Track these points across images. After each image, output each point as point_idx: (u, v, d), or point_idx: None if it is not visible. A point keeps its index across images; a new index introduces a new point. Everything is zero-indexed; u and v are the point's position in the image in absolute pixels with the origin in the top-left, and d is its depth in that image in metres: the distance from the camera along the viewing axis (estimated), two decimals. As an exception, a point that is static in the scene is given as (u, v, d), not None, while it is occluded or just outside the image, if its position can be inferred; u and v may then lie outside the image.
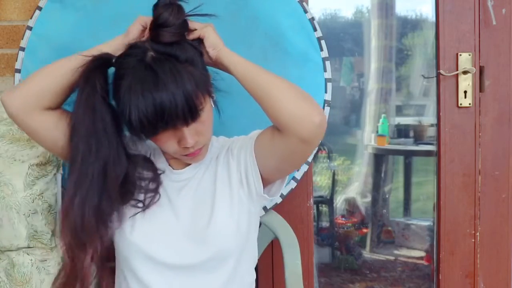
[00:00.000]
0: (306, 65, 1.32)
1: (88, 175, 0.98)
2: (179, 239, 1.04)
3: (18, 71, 1.36)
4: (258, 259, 1.37)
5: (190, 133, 0.98)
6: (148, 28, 1.02)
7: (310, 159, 1.31)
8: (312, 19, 1.33)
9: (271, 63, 1.31)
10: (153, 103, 0.92)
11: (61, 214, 1.02)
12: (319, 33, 1.33)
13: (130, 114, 0.93)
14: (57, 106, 1.06)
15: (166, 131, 0.97)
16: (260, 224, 1.36)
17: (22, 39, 1.37)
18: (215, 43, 1.04)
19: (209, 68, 1.07)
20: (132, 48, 1.00)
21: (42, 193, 1.24)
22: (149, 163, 1.10)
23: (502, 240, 1.70)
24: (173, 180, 1.10)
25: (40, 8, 1.37)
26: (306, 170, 1.32)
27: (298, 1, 1.33)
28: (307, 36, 1.32)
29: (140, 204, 1.06)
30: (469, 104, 1.66)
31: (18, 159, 1.23)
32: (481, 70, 1.66)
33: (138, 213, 1.05)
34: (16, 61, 1.37)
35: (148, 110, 0.92)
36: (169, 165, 1.12)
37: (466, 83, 1.65)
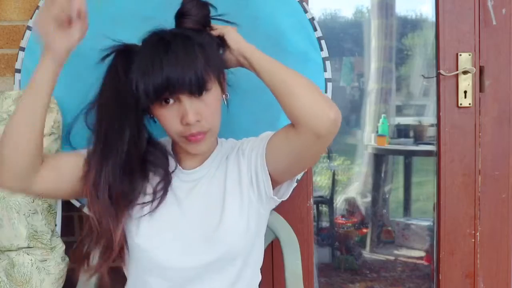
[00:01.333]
0: (306, 65, 1.32)
1: (112, 151, 1.02)
2: (188, 240, 1.04)
3: (18, 71, 1.36)
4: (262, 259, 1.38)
5: (192, 108, 0.99)
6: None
7: (310, 159, 1.31)
8: (312, 19, 1.33)
9: (271, 63, 1.31)
10: (161, 71, 0.96)
11: (89, 189, 1.02)
12: (319, 33, 1.33)
13: (138, 81, 0.98)
14: (42, 159, 1.02)
15: (169, 107, 1.00)
16: (260, 224, 1.36)
17: (22, 39, 1.37)
18: (236, 38, 1.07)
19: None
20: (151, 33, 1.05)
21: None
22: (164, 158, 1.11)
23: (502, 240, 1.70)
24: (183, 180, 1.10)
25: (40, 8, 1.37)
26: (306, 170, 1.31)
27: (298, 1, 1.33)
28: (307, 36, 1.32)
29: (148, 206, 1.06)
30: (469, 104, 1.66)
31: (18, 159, 1.22)
32: (481, 70, 1.66)
33: (145, 214, 1.05)
34: (16, 61, 1.37)
35: (155, 76, 0.96)
36: (180, 165, 1.11)
37: (466, 83, 1.65)
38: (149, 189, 1.07)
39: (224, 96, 1.08)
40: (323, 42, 1.33)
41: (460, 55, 1.64)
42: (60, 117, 1.28)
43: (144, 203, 1.06)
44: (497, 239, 1.70)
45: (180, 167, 1.11)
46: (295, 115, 0.99)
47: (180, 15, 1.07)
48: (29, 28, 1.37)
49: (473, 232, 1.69)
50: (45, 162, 1.02)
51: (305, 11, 1.33)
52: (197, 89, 0.99)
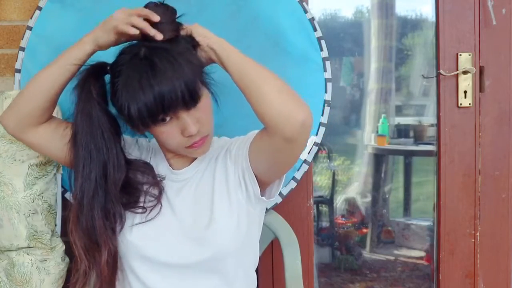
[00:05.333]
0: (306, 65, 1.32)
1: (91, 179, 1.02)
2: (179, 239, 1.05)
3: (18, 71, 1.36)
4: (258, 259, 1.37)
5: (191, 120, 0.99)
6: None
7: (310, 159, 1.31)
8: (312, 19, 1.33)
9: (271, 63, 1.30)
10: (152, 91, 0.94)
11: (72, 218, 1.04)
12: (319, 33, 1.33)
13: (130, 106, 0.95)
14: (48, 119, 1.10)
15: (167, 123, 0.99)
16: (260, 224, 1.36)
17: (22, 39, 1.37)
18: (203, 33, 1.03)
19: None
20: (122, 54, 1.01)
21: (42, 193, 1.24)
22: (149, 169, 1.10)
23: (502, 240, 1.70)
24: (173, 180, 1.10)
25: (40, 8, 1.37)
26: (306, 170, 1.32)
27: (298, 1, 1.33)
28: (307, 36, 1.32)
29: (140, 210, 1.07)
30: (469, 104, 1.65)
31: (18, 159, 1.23)
32: (481, 70, 1.66)
33: (139, 222, 1.06)
34: (16, 61, 1.37)
35: (147, 98, 0.94)
36: (170, 165, 1.12)
37: (466, 83, 1.65)
38: (141, 198, 1.08)
39: (208, 90, 1.06)
40: (323, 42, 1.33)
41: (460, 55, 1.64)
42: (60, 117, 1.28)
43: (139, 207, 1.07)
44: (497, 239, 1.70)
45: (170, 167, 1.12)
46: (263, 117, 0.97)
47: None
48: (29, 28, 1.37)
49: (473, 232, 1.69)
50: (49, 122, 1.10)
51: (305, 11, 1.33)
52: (192, 101, 0.98)
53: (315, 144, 1.31)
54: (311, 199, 1.63)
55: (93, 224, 1.02)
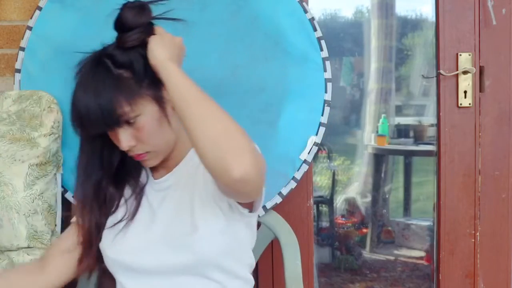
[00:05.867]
0: (306, 65, 1.32)
1: (88, 154, 1.07)
2: (164, 248, 1.02)
3: (18, 71, 1.36)
4: (258, 259, 1.37)
5: (124, 137, 0.98)
6: None
7: (310, 159, 1.31)
8: (312, 19, 1.33)
9: (271, 63, 1.32)
10: (75, 107, 0.97)
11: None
12: (319, 33, 1.33)
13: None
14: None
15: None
16: (260, 224, 1.36)
17: (22, 39, 1.37)
18: (153, 54, 0.95)
19: None
20: (102, 48, 1.02)
21: (42, 193, 1.24)
22: (136, 172, 1.11)
23: (502, 240, 1.70)
24: (156, 190, 1.09)
25: (40, 8, 1.37)
26: (306, 170, 1.32)
27: (298, 1, 1.33)
28: (307, 36, 1.32)
29: (122, 222, 1.07)
30: (469, 104, 1.65)
31: (18, 159, 1.22)
32: (481, 70, 1.66)
33: (121, 228, 1.07)
34: (16, 61, 1.37)
35: (73, 112, 0.97)
36: (152, 174, 1.11)
37: (466, 83, 1.65)
38: (122, 201, 1.09)
39: (161, 106, 1.01)
40: (323, 42, 1.33)
41: (460, 55, 1.64)
42: (60, 117, 1.28)
43: (119, 220, 1.07)
44: (497, 239, 1.70)
45: (152, 177, 1.11)
46: (201, 160, 0.88)
47: (120, 29, 0.98)
48: (29, 28, 1.37)
49: (473, 232, 1.69)
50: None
51: (305, 11, 1.33)
52: (109, 124, 0.96)
53: (315, 144, 1.31)
54: (311, 199, 1.63)
55: (84, 196, 1.06)
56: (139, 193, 1.09)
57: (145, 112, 0.98)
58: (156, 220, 1.05)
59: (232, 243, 1.04)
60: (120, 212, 1.09)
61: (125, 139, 0.98)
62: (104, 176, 1.08)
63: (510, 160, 1.68)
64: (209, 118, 0.88)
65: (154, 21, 1.01)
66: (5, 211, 1.21)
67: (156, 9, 1.01)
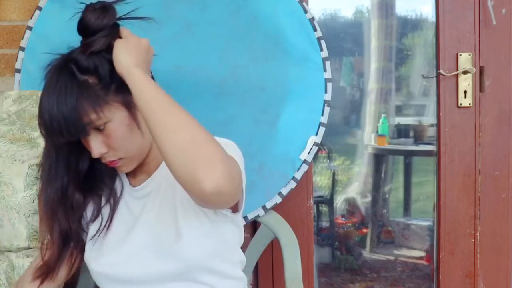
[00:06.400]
0: (306, 65, 1.32)
1: (53, 161, 1.02)
2: (150, 257, 1.00)
3: (18, 71, 1.36)
4: (258, 259, 1.37)
5: (94, 144, 0.96)
6: None
7: (310, 159, 1.31)
8: (312, 19, 1.33)
9: (271, 63, 1.32)
10: (41, 113, 0.94)
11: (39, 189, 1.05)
12: (319, 33, 1.33)
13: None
14: None
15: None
16: (260, 224, 1.36)
17: (22, 39, 1.37)
18: (119, 60, 0.92)
19: None
20: (68, 52, 0.99)
21: (42, 193, 1.24)
22: (108, 185, 1.08)
23: (502, 240, 1.70)
24: (136, 197, 1.06)
25: (40, 8, 1.37)
26: (306, 170, 1.32)
27: (298, 1, 1.33)
28: (307, 36, 1.32)
29: (99, 232, 1.05)
30: (469, 104, 1.66)
31: (18, 159, 1.22)
32: (481, 70, 1.66)
33: (99, 235, 1.05)
34: (16, 61, 1.37)
35: (40, 118, 0.94)
36: (130, 182, 1.09)
37: (466, 83, 1.65)
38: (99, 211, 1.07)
39: (129, 111, 0.99)
40: (323, 42, 1.33)
41: (460, 55, 1.64)
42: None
43: (96, 231, 1.05)
44: (497, 239, 1.70)
45: (130, 185, 1.08)
46: (171, 171, 0.84)
47: (83, 33, 0.96)
48: (29, 28, 1.37)
49: (473, 232, 1.69)
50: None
51: (305, 11, 1.33)
52: (78, 133, 0.93)
53: (315, 144, 1.31)
54: (311, 199, 1.63)
55: (47, 202, 1.02)
56: (114, 201, 1.06)
57: (114, 118, 0.95)
58: (139, 228, 1.03)
59: (219, 245, 1.02)
60: (97, 223, 1.06)
61: (95, 146, 0.96)
62: (70, 182, 1.03)
63: (510, 160, 1.68)
64: (176, 127, 0.84)
65: (121, 22, 0.98)
66: (5, 211, 1.21)
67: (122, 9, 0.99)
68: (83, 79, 0.94)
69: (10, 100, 1.31)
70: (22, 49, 1.37)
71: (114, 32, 0.96)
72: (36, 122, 1.25)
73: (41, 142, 1.24)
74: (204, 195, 0.80)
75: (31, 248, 1.24)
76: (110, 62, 0.94)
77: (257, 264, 1.54)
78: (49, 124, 0.92)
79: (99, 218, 1.07)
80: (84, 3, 0.97)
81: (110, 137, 0.96)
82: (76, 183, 1.04)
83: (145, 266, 1.00)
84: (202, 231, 0.98)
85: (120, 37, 0.96)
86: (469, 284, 1.70)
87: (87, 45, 0.95)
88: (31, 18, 1.37)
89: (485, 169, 1.68)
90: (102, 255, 1.04)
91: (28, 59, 1.36)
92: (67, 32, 1.33)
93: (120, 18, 0.98)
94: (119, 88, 0.95)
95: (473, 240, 1.69)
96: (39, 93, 1.28)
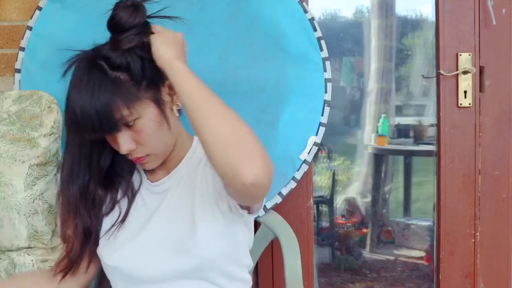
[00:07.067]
0: (306, 65, 1.32)
1: (74, 155, 1.04)
2: (164, 253, 1.01)
3: (18, 71, 1.36)
4: (258, 259, 1.37)
5: (123, 140, 0.97)
6: None
7: (310, 159, 1.31)
8: (312, 19, 1.33)
9: (271, 63, 1.32)
10: (72, 110, 0.94)
11: (57, 194, 1.07)
12: (319, 33, 1.33)
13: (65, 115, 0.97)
14: None
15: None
16: (260, 224, 1.36)
17: (22, 39, 1.37)
18: (157, 54, 0.94)
19: None
20: (93, 49, 1.00)
21: (43, 193, 1.24)
22: (126, 180, 1.10)
23: (502, 240, 1.70)
24: (153, 192, 1.08)
25: (40, 8, 1.37)
26: (306, 170, 1.31)
27: (298, 1, 1.33)
28: (307, 36, 1.32)
29: (114, 227, 1.06)
30: (469, 104, 1.66)
31: (19, 159, 1.22)
32: (481, 70, 1.66)
33: (114, 229, 1.06)
34: (16, 61, 1.37)
35: (68, 115, 0.95)
36: (148, 177, 1.10)
37: (466, 83, 1.65)
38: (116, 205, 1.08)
39: (171, 106, 1.02)
40: (323, 42, 1.33)
41: (460, 55, 1.64)
42: (60, 117, 1.28)
43: (112, 225, 1.06)
44: (497, 239, 1.70)
45: (148, 180, 1.09)
46: (210, 163, 0.87)
47: (114, 30, 0.97)
48: (29, 28, 1.37)
49: (473, 232, 1.69)
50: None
51: (305, 11, 1.33)
52: (110, 129, 0.94)
53: (315, 144, 1.31)
54: (311, 199, 1.63)
55: (69, 200, 1.03)
56: (131, 195, 1.07)
57: (144, 114, 0.96)
58: (153, 223, 1.04)
59: (232, 246, 1.03)
60: (113, 217, 1.07)
61: (124, 142, 0.97)
62: (92, 179, 1.05)
63: (510, 160, 1.68)
64: (218, 119, 0.85)
65: (150, 20, 1.00)
66: (6, 211, 1.21)
67: (151, 8, 1.01)
68: (115, 76, 0.95)
69: (10, 100, 1.31)
70: (22, 49, 1.36)
71: (146, 29, 0.98)
72: (36, 122, 1.26)
73: (41, 142, 1.24)
74: (244, 187, 0.82)
75: (31, 248, 1.24)
76: (142, 59, 0.96)
77: (257, 264, 1.54)
78: (81, 120, 0.92)
79: (115, 211, 1.08)
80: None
81: (139, 133, 0.97)
82: (98, 180, 1.06)
83: (158, 261, 1.01)
84: (217, 230, 1.00)
85: (152, 33, 0.98)
86: (469, 284, 1.70)
87: (118, 42, 0.96)
88: (31, 18, 1.37)
89: (485, 169, 1.68)
90: (115, 249, 1.04)
91: (28, 59, 1.36)
92: (67, 32, 1.34)
93: (150, 16, 0.99)
94: (149, 84, 0.97)
95: (473, 240, 1.69)
96: (40, 93, 1.30)
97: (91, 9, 1.34)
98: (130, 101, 0.94)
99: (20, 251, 1.23)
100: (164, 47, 0.94)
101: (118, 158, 1.05)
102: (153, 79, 0.97)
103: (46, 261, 1.24)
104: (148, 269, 1.01)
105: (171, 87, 1.00)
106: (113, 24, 0.96)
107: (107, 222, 1.08)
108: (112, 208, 1.08)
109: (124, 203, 1.08)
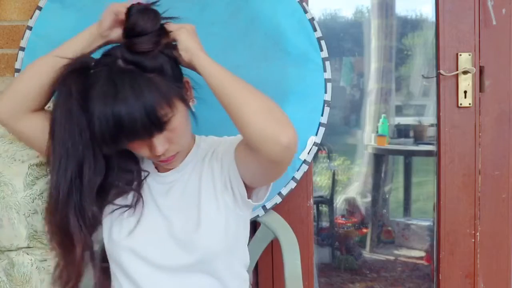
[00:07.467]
0: (306, 65, 1.32)
1: (66, 177, 0.99)
2: (167, 241, 1.03)
3: (18, 71, 1.36)
4: (258, 259, 1.37)
5: (159, 142, 0.97)
6: (124, 17, 1.01)
7: (310, 159, 1.31)
8: (312, 19, 1.33)
9: (271, 63, 1.32)
10: (113, 118, 0.92)
11: (46, 214, 1.03)
12: (319, 33, 1.33)
13: (94, 125, 0.94)
14: (42, 107, 1.09)
15: (134, 142, 0.97)
16: (260, 224, 1.36)
17: (22, 39, 1.37)
18: (187, 46, 0.99)
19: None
20: (104, 56, 1.00)
21: (42, 193, 1.24)
22: (134, 165, 1.09)
23: (502, 240, 1.70)
24: (159, 182, 1.09)
25: (40, 8, 1.37)
26: (306, 170, 1.32)
27: (298, 1, 1.33)
28: (307, 36, 1.32)
29: (124, 206, 1.07)
30: (469, 104, 1.66)
31: (18, 159, 1.23)
32: (481, 70, 1.66)
33: (125, 211, 1.07)
34: (16, 61, 1.37)
35: (109, 124, 0.92)
36: (155, 167, 1.11)
37: (466, 83, 1.65)
38: (124, 191, 1.08)
39: (190, 103, 1.04)
40: (323, 42, 1.33)
41: (460, 55, 1.64)
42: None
43: (121, 206, 1.07)
44: (497, 239, 1.70)
45: (156, 169, 1.11)
46: (245, 136, 0.94)
47: (131, 35, 0.98)
48: (29, 28, 1.37)
49: (473, 232, 1.69)
50: (42, 111, 1.08)
51: (305, 11, 1.33)
52: (156, 129, 0.95)
53: (315, 144, 1.31)
54: (311, 199, 1.63)
55: (67, 222, 1.00)
56: (139, 183, 1.09)
57: (177, 112, 0.98)
58: (162, 213, 1.06)
59: (233, 241, 1.06)
60: (121, 201, 1.08)
61: (160, 143, 0.97)
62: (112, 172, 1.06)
63: (510, 160, 1.68)
64: (251, 94, 0.95)
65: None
66: (5, 211, 1.21)
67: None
68: (150, 77, 0.95)
69: (10, 100, 1.31)
70: (22, 49, 1.36)
71: (163, 32, 1.00)
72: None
73: (41, 142, 1.24)
74: (281, 150, 0.90)
75: (31, 247, 1.24)
76: (169, 58, 0.99)
77: (257, 264, 1.54)
78: (128, 125, 0.92)
79: (124, 197, 1.08)
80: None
81: (174, 131, 0.98)
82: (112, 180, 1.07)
83: (164, 251, 1.03)
84: (221, 224, 1.03)
85: (169, 32, 1.00)
86: (469, 284, 1.70)
87: (139, 45, 0.97)
88: (31, 18, 1.37)
89: (485, 169, 1.68)
90: (130, 231, 1.05)
91: (28, 59, 1.36)
92: (67, 32, 1.34)
93: (165, 19, 1.02)
94: (176, 82, 1.00)
95: (473, 240, 1.69)
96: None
97: (91, 9, 1.34)
98: (169, 99, 0.96)
99: (19, 250, 1.23)
100: (190, 41, 0.99)
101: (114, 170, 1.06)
102: (178, 77, 1.01)
103: (45, 260, 1.24)
104: (152, 255, 1.04)
105: (188, 84, 1.04)
106: (130, 29, 0.98)
107: (109, 207, 1.08)
108: (122, 194, 1.08)
109: (133, 190, 1.08)
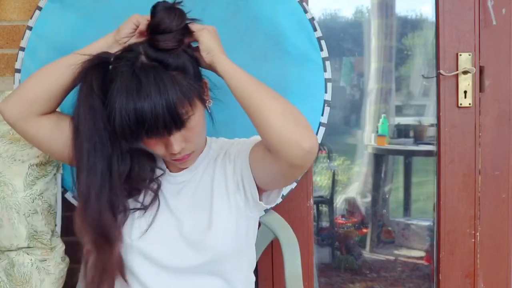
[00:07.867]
0: (306, 65, 1.32)
1: (97, 173, 1.00)
2: (178, 242, 1.04)
3: (18, 71, 1.36)
4: (258, 259, 1.37)
5: (176, 140, 0.97)
6: (144, 28, 1.02)
7: (310, 159, 1.31)
8: (312, 19, 1.33)
9: (271, 63, 1.32)
10: (135, 112, 0.92)
11: (79, 212, 1.02)
12: (319, 33, 1.33)
13: (115, 119, 0.94)
14: (53, 110, 1.08)
15: (151, 138, 0.97)
16: (260, 224, 1.36)
17: (22, 39, 1.37)
18: (209, 48, 1.00)
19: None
20: (126, 51, 1.00)
21: (42, 193, 1.24)
22: (151, 162, 1.10)
23: (502, 240, 1.70)
24: (171, 183, 1.09)
25: (40, 8, 1.37)
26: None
27: (298, 1, 1.33)
28: (307, 36, 1.32)
29: (139, 205, 1.07)
30: (469, 104, 1.66)
31: (18, 159, 1.22)
32: (481, 70, 1.66)
33: (136, 210, 1.06)
34: (16, 61, 1.37)
35: (130, 118, 0.92)
36: (167, 167, 1.11)
37: (466, 83, 1.65)
38: (141, 190, 1.08)
39: (207, 103, 1.05)
40: (323, 42, 1.33)
41: (460, 55, 1.64)
42: (60, 117, 1.28)
43: (134, 209, 1.06)
44: (497, 239, 1.70)
45: (168, 169, 1.11)
46: (267, 140, 0.95)
47: (155, 32, 0.99)
48: (29, 28, 1.37)
49: (473, 232, 1.69)
50: (52, 114, 1.08)
51: (305, 11, 1.33)
52: (176, 126, 0.95)
53: (315, 144, 1.31)
54: (311, 199, 1.63)
55: (101, 218, 1.00)
56: (157, 181, 1.09)
57: (196, 111, 0.99)
58: (173, 213, 1.06)
59: (243, 243, 1.07)
60: (136, 202, 1.08)
61: (177, 141, 0.98)
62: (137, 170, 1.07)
63: (510, 160, 1.68)
64: (272, 97, 0.95)
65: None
66: (5, 211, 1.21)
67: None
68: (173, 75, 0.96)
69: (10, 100, 1.31)
70: (22, 49, 1.36)
71: (186, 31, 1.01)
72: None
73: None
74: (302, 152, 0.90)
75: (31, 247, 1.24)
76: (192, 58, 1.00)
77: (257, 264, 1.54)
78: (151, 121, 0.92)
79: (136, 197, 1.08)
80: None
81: (192, 130, 0.98)
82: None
83: (174, 252, 1.03)
84: (232, 225, 1.03)
85: (193, 31, 1.01)
86: (469, 284, 1.70)
87: (163, 42, 0.97)
88: (31, 18, 1.37)
89: (485, 169, 1.68)
90: (142, 232, 1.05)
91: (28, 59, 1.36)
92: (67, 32, 1.34)
93: (188, 19, 1.03)
94: (196, 82, 1.00)
95: (473, 240, 1.69)
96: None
97: (91, 9, 1.34)
98: (190, 98, 0.96)
99: (19, 250, 1.23)
100: (213, 43, 1.00)
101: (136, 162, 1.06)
102: (199, 77, 1.01)
103: (45, 260, 1.24)
104: (162, 256, 1.04)
105: (206, 85, 1.05)
106: (155, 26, 0.99)
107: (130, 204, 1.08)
108: (138, 194, 1.08)
109: (149, 190, 1.08)
